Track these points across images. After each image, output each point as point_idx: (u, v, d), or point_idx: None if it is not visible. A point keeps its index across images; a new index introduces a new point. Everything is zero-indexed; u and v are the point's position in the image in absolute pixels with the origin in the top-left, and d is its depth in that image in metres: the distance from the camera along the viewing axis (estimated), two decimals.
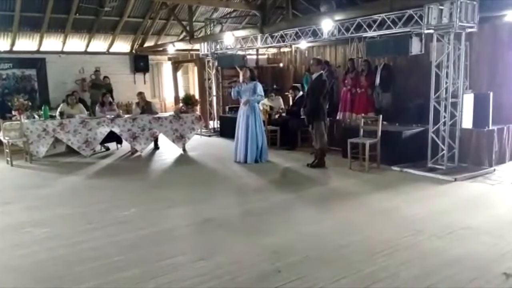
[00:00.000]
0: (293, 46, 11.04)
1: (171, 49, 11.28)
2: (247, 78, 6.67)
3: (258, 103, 6.88)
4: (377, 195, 4.81)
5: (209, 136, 10.09)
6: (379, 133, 6.01)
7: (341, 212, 4.23)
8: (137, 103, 8.31)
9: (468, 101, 6.15)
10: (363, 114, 7.12)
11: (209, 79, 10.62)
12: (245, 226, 3.89)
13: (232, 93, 6.90)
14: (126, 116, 7.94)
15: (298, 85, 9.07)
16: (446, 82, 5.63)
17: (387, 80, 8.00)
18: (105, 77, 11.11)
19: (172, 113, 8.41)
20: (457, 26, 5.31)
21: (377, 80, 8.10)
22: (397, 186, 5.17)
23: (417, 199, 4.62)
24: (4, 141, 7.05)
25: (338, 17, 6.94)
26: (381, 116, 6.13)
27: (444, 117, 5.69)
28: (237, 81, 7.15)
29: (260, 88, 6.64)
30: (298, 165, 6.46)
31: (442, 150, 5.76)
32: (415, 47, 6.06)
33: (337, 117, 8.65)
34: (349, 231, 3.66)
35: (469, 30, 5.57)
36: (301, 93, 8.20)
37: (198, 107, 9.19)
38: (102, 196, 5.03)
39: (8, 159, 6.97)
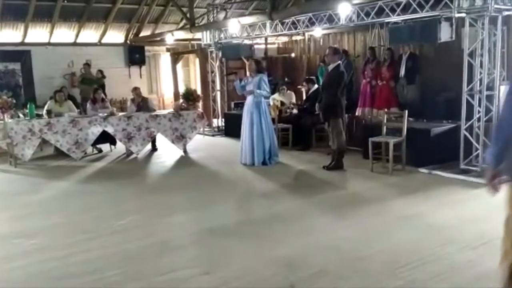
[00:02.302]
0: (306, 34, 11.04)
1: (169, 39, 11.37)
2: (252, 70, 6.71)
3: (266, 98, 6.88)
4: (402, 200, 4.81)
5: (213, 135, 10.14)
6: (405, 131, 6.00)
7: (361, 219, 4.24)
8: (132, 100, 8.39)
9: (505, 93, 6.09)
10: (385, 110, 7.10)
11: (212, 72, 10.69)
12: (253, 235, 3.93)
13: (236, 88, 6.93)
14: (120, 114, 8.02)
15: (313, 77, 9.08)
16: (481, 73, 5.60)
17: (413, 71, 7.97)
18: (98, 70, 11.21)
19: (171, 110, 8.48)
20: (492, 8, 5.28)
21: (402, 71, 8.07)
22: (425, 190, 5.16)
23: (447, 205, 4.61)
24: None
25: (357, 0, 6.94)
26: (406, 111, 6.12)
27: (479, 112, 5.66)
28: (237, 72, 7.16)
29: (265, 82, 6.65)
30: (312, 168, 6.48)
31: (476, 149, 5.73)
32: (445, 34, 6.03)
33: (357, 113, 8.64)
34: (370, 241, 3.68)
35: (506, 13, 5.53)
36: (316, 86, 8.22)
37: (200, 104, 9.25)
38: (95, 203, 5.11)
39: None
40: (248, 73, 6.79)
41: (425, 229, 3.92)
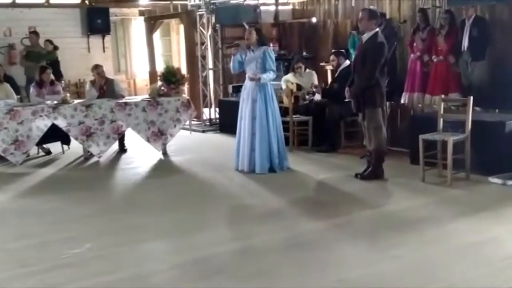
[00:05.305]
0: None
1: None
2: (252, 42, 6.70)
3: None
4: (466, 222, 4.79)
5: (203, 131, 10.18)
6: (469, 125, 5.98)
7: (410, 248, 4.23)
8: (92, 82, 8.42)
9: None
10: (442, 96, 7.06)
11: (202, 43, 10.69)
12: (257, 269, 3.91)
13: (231, 65, 6.95)
14: (76, 101, 8.04)
15: (342, 50, 9.05)
16: None
17: (480, 42, 7.92)
18: (47, 41, 11.17)
19: (146, 96, 8.49)
20: None
21: (465, 43, 8.04)
22: (498, 208, 5.13)
23: None
24: None
25: None
26: (471, 98, 6.08)
27: None
28: (239, 44, 7.14)
29: (271, 59, 6.65)
30: (340, 176, 6.47)
31: None
32: None
33: (402, 101, 8.61)
34: (424, 277, 3.66)
35: None
36: (347, 62, 8.18)
37: (186, 87, 9.24)
38: (41, 225, 5.10)
39: None
40: (246, 45, 6.72)
41: (496, 262, 3.88)
